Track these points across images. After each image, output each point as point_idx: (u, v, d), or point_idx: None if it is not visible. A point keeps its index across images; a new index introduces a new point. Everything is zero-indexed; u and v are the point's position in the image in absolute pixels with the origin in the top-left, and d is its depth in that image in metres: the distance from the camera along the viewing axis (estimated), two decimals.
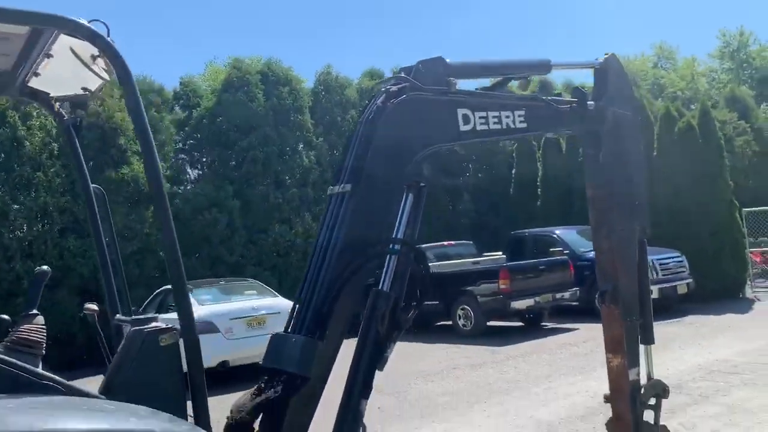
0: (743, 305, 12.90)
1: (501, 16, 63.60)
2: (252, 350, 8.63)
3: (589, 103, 3.36)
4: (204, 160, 17.05)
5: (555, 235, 13.81)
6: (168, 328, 2.05)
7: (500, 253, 14.37)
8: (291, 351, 2.31)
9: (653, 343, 3.77)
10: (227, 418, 2.24)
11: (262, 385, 2.31)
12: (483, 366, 8.96)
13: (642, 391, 3.62)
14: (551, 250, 13.37)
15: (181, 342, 2.07)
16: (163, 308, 10.71)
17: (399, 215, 2.78)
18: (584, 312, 11.50)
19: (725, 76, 37.66)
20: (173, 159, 16.76)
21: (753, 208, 14.90)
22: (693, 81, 36.42)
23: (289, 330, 2.40)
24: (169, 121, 16.39)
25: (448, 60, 2.85)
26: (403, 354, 10.66)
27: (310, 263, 2.52)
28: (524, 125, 3.09)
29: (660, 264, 12.14)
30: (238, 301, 10.04)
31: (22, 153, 12.92)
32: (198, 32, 59.81)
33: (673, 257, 12.55)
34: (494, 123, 2.97)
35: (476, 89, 3.21)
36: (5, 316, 3.04)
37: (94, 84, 2.52)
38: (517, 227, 15.36)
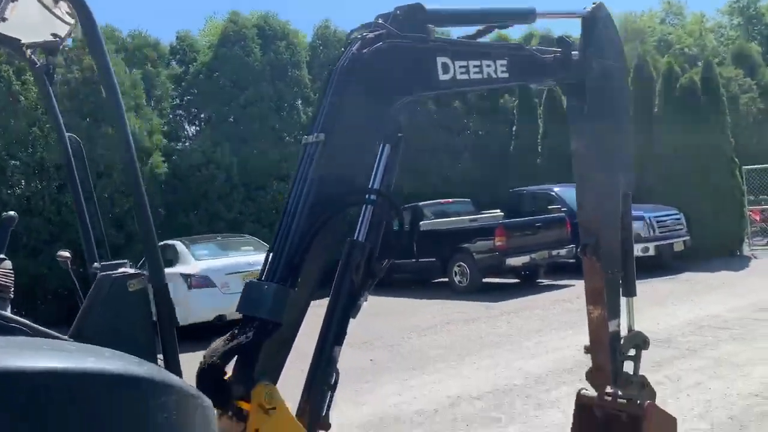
0: (740, 263, 12.94)
1: None
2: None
3: (573, 52, 3.31)
4: (201, 116, 16.95)
5: (553, 193, 13.78)
6: (136, 273, 2.06)
7: (498, 210, 14.37)
8: (263, 298, 2.33)
9: (635, 295, 3.79)
10: (200, 362, 2.28)
11: (236, 331, 2.35)
12: (476, 321, 9.06)
13: (622, 342, 3.66)
14: (549, 207, 13.37)
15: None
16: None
17: (375, 165, 2.77)
18: (580, 269, 11.41)
19: (734, 32, 36.93)
20: (171, 115, 16.67)
21: (753, 166, 14.80)
22: (701, 37, 35.70)
23: (263, 278, 2.42)
24: (166, 76, 16.22)
25: (427, 6, 2.78)
26: (399, 310, 10.80)
27: (284, 212, 2.52)
28: (506, 75, 3.03)
29: (657, 221, 12.14)
30: (235, 257, 10.11)
31: (17, 108, 12.84)
32: None
33: (670, 215, 12.53)
34: (475, 72, 2.91)
35: (458, 39, 3.15)
36: None
37: (63, 30, 2.48)
38: (517, 185, 15.32)
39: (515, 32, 21.19)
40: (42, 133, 13.00)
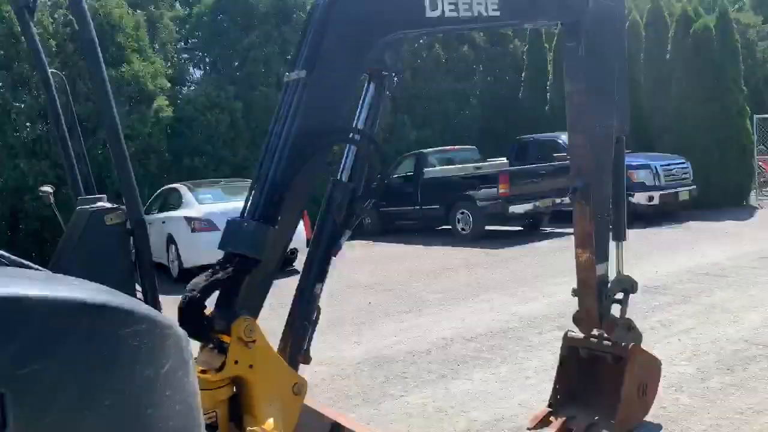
0: (745, 213, 12.87)
1: None
2: None
3: None
4: (206, 59, 16.76)
5: (560, 141, 13.61)
6: (114, 207, 2.08)
7: (504, 158, 14.27)
8: (243, 235, 2.36)
9: (625, 239, 3.80)
10: (181, 297, 2.32)
11: (217, 267, 2.38)
12: (476, 267, 9.13)
13: (609, 285, 3.69)
14: (555, 155, 13.25)
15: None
16: (166, 206, 10.90)
17: (360, 105, 2.76)
18: None
19: None
20: (175, 58, 16.49)
21: (765, 115, 14.54)
22: None
23: (245, 215, 2.44)
24: (169, 18, 15.97)
25: None
26: (400, 255, 10.89)
27: (265, 150, 2.52)
28: (497, 13, 2.96)
29: (663, 170, 12.02)
30: (238, 201, 10.06)
31: (19, 49, 12.72)
32: None
33: (677, 163, 12.40)
34: (464, 10, 2.84)
35: None
36: None
37: None
38: (525, 133, 15.14)
39: None
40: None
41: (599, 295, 3.63)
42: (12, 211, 13.02)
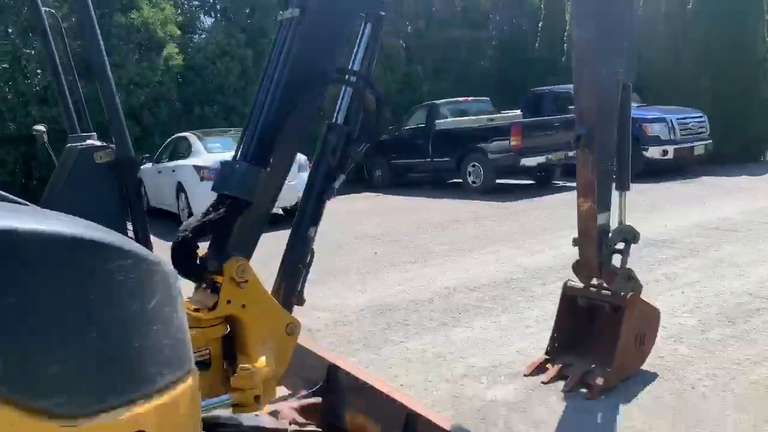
0: (762, 168, 12.66)
1: None
2: None
3: None
4: (217, 7, 16.50)
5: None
6: (103, 146, 2.08)
7: (518, 111, 14.07)
8: (235, 176, 2.35)
9: (628, 189, 3.75)
10: (175, 237, 2.34)
11: (210, 209, 2.39)
12: (485, 219, 9.12)
13: (610, 235, 3.66)
14: (570, 107, 13.03)
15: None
16: (176, 155, 10.92)
17: (356, 45, 2.70)
18: None
19: None
20: (185, 5, 16.25)
21: None
22: None
23: (238, 157, 2.43)
24: None
25: None
26: (409, 208, 10.89)
27: (258, 90, 2.49)
28: None
29: (679, 123, 11.81)
30: None
31: None
32: None
33: (693, 117, 12.17)
34: None
35: None
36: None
37: None
38: (541, 85, 14.88)
39: None
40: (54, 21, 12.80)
41: (599, 245, 3.61)
42: (25, 158, 13.12)
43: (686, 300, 4.87)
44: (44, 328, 1.52)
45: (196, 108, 14.02)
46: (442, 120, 13.31)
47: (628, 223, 3.73)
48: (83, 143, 2.07)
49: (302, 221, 2.60)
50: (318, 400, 3.12)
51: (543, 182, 12.47)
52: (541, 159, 11.50)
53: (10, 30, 12.96)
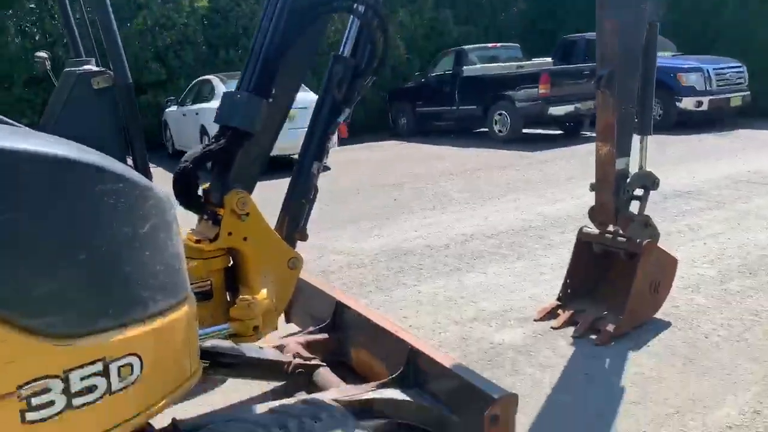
0: None
1: None
2: (281, 143, 8.80)
3: None
4: None
5: None
6: (101, 71, 2.04)
7: (549, 58, 13.67)
8: (236, 107, 2.31)
9: (650, 134, 3.64)
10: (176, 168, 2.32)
11: (212, 140, 2.36)
12: (508, 168, 8.98)
13: (628, 181, 3.56)
14: None
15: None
16: (200, 98, 10.91)
17: None
18: None
19: None
20: None
21: None
22: None
23: (240, 88, 2.38)
24: None
25: None
26: (433, 156, 10.77)
27: (262, 17, 2.42)
28: None
29: (716, 74, 11.35)
30: None
31: None
32: None
33: (731, 67, 11.67)
34: None
35: None
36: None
37: None
38: (574, 32, 14.39)
39: None
40: None
41: (617, 190, 3.52)
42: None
43: (708, 251, 4.76)
44: (33, 248, 1.52)
45: (221, 51, 13.90)
46: (469, 66, 13.01)
47: (648, 169, 3.63)
48: (81, 68, 2.03)
49: (306, 156, 2.56)
50: (324, 336, 3.16)
51: (571, 133, 12.22)
52: (569, 108, 11.21)
53: None
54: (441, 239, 5.49)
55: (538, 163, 9.28)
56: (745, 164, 7.98)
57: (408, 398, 2.50)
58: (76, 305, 1.52)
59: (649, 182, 3.61)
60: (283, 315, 3.54)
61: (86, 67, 2.06)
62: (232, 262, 2.41)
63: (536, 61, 13.39)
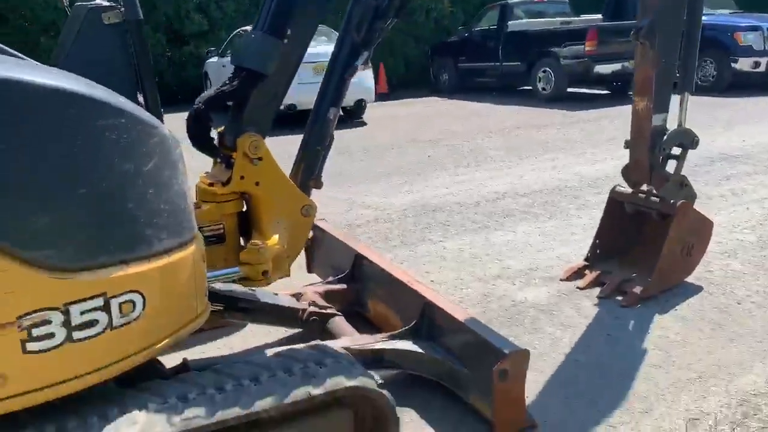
0: None
1: None
2: (310, 97, 8.74)
3: None
4: None
5: None
6: (111, 6, 2.00)
7: (598, 15, 13.13)
8: (250, 48, 2.25)
9: (691, 92, 3.43)
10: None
11: (226, 81, 2.31)
12: (548, 127, 8.74)
13: (665, 138, 3.39)
14: None
15: None
16: None
17: None
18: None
19: None
20: None
21: None
22: None
23: (255, 27, 2.32)
24: None
25: None
26: (473, 113, 10.56)
27: None
28: None
29: None
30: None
31: None
32: None
33: None
34: None
35: None
36: None
37: None
38: None
39: None
40: None
41: (652, 146, 3.36)
42: None
43: (750, 216, 4.55)
44: (32, 179, 1.51)
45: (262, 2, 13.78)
46: (515, 21, 12.61)
47: (687, 127, 3.45)
48: (92, 2, 2.00)
49: (323, 101, 2.50)
50: (343, 286, 3.15)
51: (618, 93, 11.79)
52: (616, 67, 10.79)
53: None
54: (472, 197, 5.39)
55: (580, 123, 9.01)
56: None
57: (420, 350, 2.48)
58: (76, 239, 1.51)
59: (688, 140, 3.44)
60: (305, 265, 3.56)
61: (97, 1, 2.03)
62: (246, 207, 2.39)
63: (585, 17, 12.88)
